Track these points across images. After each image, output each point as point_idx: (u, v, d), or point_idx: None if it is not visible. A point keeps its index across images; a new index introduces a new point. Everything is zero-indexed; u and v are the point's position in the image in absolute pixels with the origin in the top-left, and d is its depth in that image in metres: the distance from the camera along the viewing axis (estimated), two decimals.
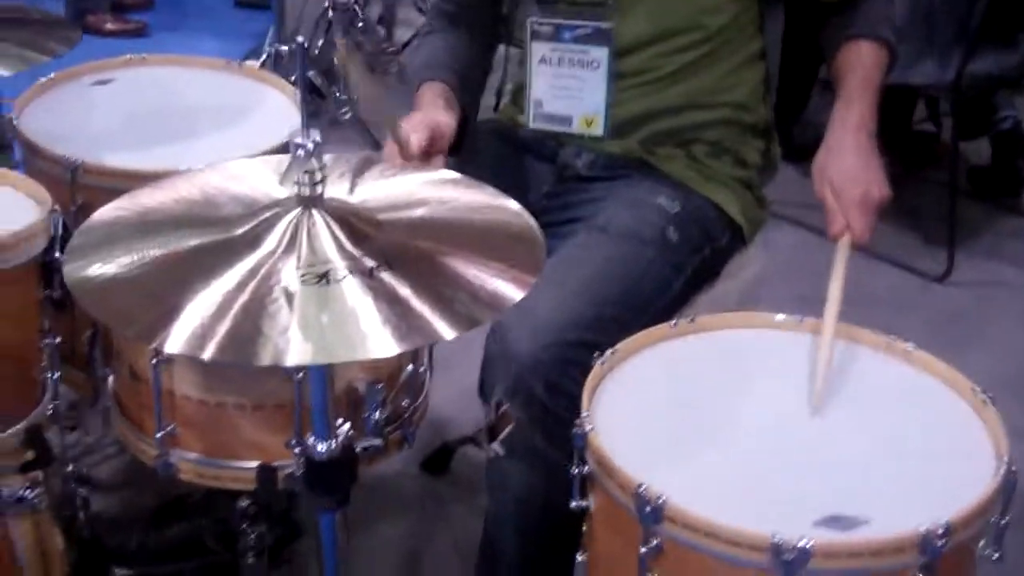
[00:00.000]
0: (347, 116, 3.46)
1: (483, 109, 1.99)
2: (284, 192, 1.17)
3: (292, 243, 1.12)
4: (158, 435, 1.50)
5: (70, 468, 1.87)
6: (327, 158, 1.19)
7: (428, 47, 1.87)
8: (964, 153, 3.49)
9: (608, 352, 1.42)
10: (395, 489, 2.28)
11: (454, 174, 1.32)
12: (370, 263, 1.11)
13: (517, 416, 1.54)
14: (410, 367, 1.53)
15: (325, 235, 1.13)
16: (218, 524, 1.85)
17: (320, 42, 3.64)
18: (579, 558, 1.35)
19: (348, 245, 1.13)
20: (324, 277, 1.08)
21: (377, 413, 1.43)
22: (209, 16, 4.55)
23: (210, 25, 4.42)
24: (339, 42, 1.39)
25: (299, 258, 1.11)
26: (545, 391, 1.52)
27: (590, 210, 1.76)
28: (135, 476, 2.17)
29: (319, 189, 1.14)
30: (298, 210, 1.15)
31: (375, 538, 2.17)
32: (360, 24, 3.74)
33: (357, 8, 3.70)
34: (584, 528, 1.36)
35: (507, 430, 1.57)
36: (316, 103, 3.57)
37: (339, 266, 1.10)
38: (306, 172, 1.12)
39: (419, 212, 1.22)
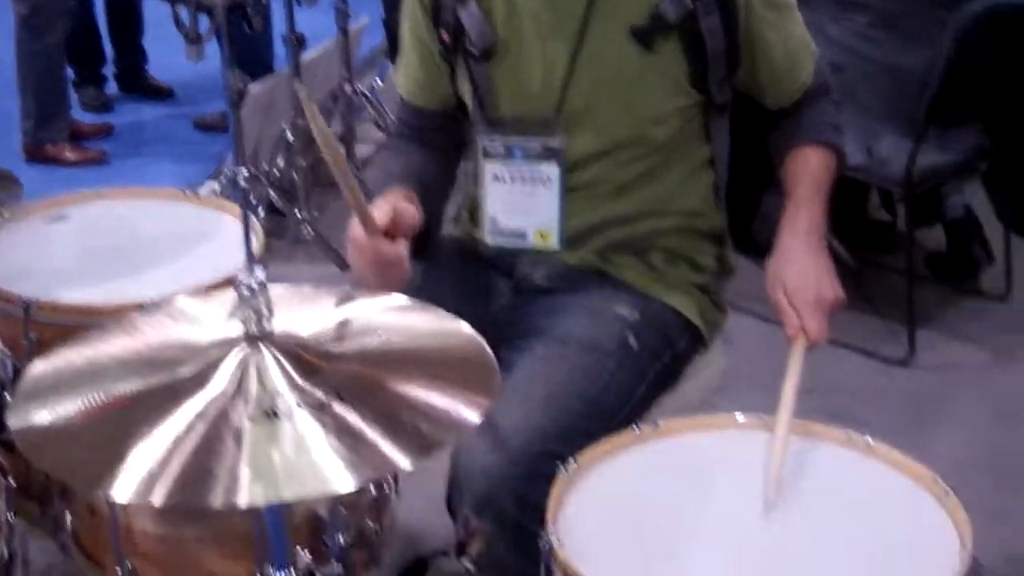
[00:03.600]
0: (309, 234, 3.49)
1: (444, 222, 2.01)
2: (233, 329, 1.18)
3: (241, 381, 1.13)
4: (118, 571, 1.49)
5: None
6: (277, 289, 1.20)
7: (389, 163, 1.90)
8: (920, 239, 3.54)
9: (571, 463, 1.42)
10: None
11: (405, 299, 1.34)
12: (321, 396, 1.11)
13: (487, 531, 1.54)
14: (372, 489, 1.52)
15: (274, 371, 1.14)
16: None
17: (280, 163, 3.68)
18: None
19: (298, 379, 1.13)
20: (273, 414, 1.08)
21: (341, 537, 1.42)
22: (168, 141, 4.59)
23: (170, 150, 4.45)
24: (298, 86, 1.40)
25: (248, 396, 1.11)
26: (514, 505, 1.52)
27: (549, 322, 1.77)
28: None
29: (266, 326, 1.15)
30: (246, 347, 1.15)
31: None
32: None
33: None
34: None
35: (477, 546, 1.56)
36: (278, 223, 3.60)
37: (289, 401, 1.10)
38: (252, 310, 1.13)
39: (371, 341, 1.23)
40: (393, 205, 1.63)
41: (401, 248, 1.59)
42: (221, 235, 2.13)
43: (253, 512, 1.39)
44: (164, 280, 1.93)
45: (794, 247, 1.70)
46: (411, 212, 1.67)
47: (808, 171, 1.78)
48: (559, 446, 1.51)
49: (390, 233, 1.60)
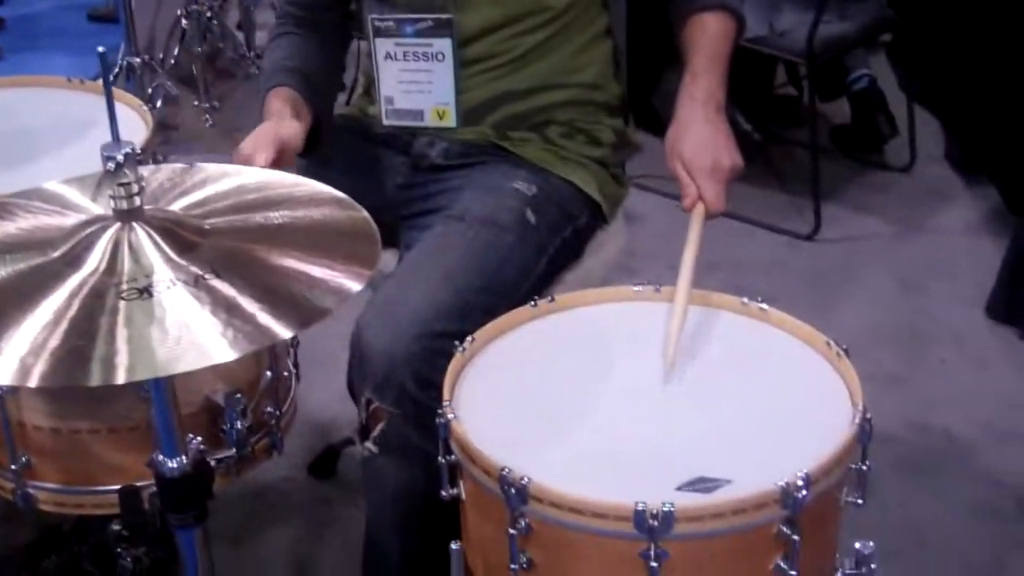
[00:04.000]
0: (209, 124, 3.43)
1: (337, 105, 1.97)
2: (105, 209, 1.14)
3: (114, 259, 1.10)
4: (13, 467, 1.47)
5: None
6: (148, 169, 1.17)
7: (277, 51, 1.85)
8: (825, 114, 3.57)
9: (468, 340, 1.41)
10: (282, 495, 2.26)
11: (283, 174, 1.31)
12: (196, 271, 1.09)
13: (389, 412, 1.53)
14: (268, 373, 1.51)
15: (148, 248, 1.11)
16: (95, 550, 1.80)
17: (176, 51, 3.58)
18: (453, 546, 1.35)
19: (173, 255, 1.11)
20: (147, 290, 1.06)
21: (238, 423, 1.41)
22: (62, 33, 4.46)
23: (63, 43, 4.32)
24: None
25: (121, 274, 1.09)
26: (415, 384, 1.51)
27: (447, 199, 1.75)
28: (10, 511, 2.11)
29: (137, 201, 1.12)
30: (117, 225, 1.12)
31: (264, 546, 2.15)
32: (218, 30, 3.69)
33: (212, 15, 3.64)
34: (459, 516, 1.35)
35: (379, 427, 1.55)
36: (177, 113, 3.52)
37: (164, 277, 1.08)
38: (121, 185, 1.10)
39: (248, 216, 1.20)
40: (275, 141, 1.60)
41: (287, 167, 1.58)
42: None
43: (143, 400, 1.38)
44: (50, 170, 1.86)
45: (691, 117, 1.67)
46: (294, 137, 1.64)
47: (706, 38, 1.74)
48: (459, 323, 1.50)
49: (275, 165, 1.57)
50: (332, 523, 2.20)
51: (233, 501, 2.19)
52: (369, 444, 1.57)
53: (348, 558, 2.05)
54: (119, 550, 1.59)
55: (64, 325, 1.04)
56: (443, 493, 1.32)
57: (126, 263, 1.09)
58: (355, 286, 1.10)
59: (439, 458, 1.31)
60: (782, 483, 1.17)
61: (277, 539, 2.17)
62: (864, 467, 1.28)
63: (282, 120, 1.67)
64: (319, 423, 2.37)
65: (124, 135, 1.95)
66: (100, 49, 1.08)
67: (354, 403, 1.63)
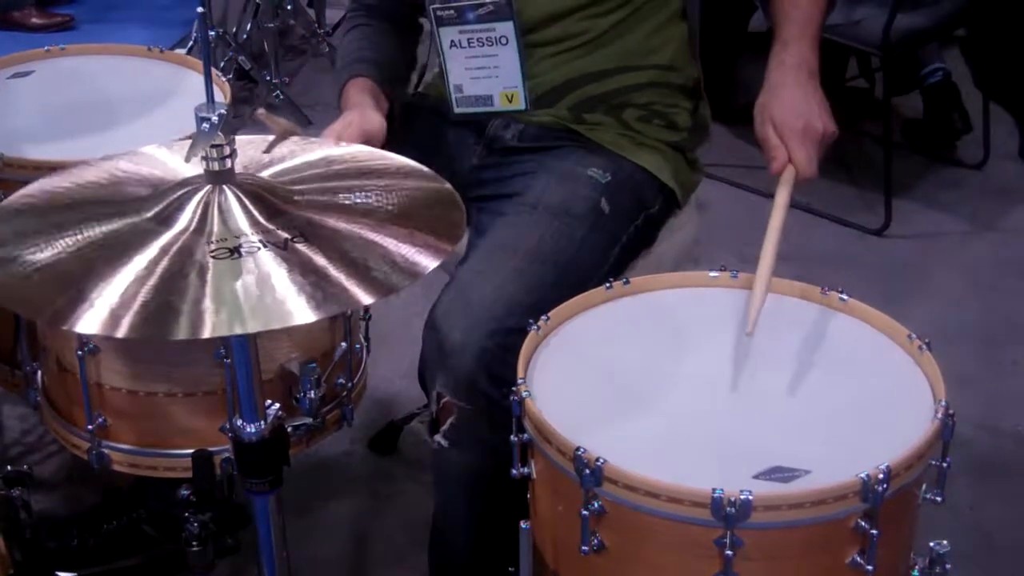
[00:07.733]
0: (280, 99, 3.44)
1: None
2: (196, 171, 1.15)
3: (204, 220, 1.11)
4: (89, 427, 1.48)
5: (8, 468, 1.84)
6: (241, 137, 1.18)
7: (351, 43, 1.87)
8: (897, 107, 3.51)
9: (543, 318, 1.40)
10: (343, 469, 2.27)
11: (370, 148, 1.31)
12: (284, 235, 1.10)
13: (460, 408, 1.52)
14: (343, 345, 1.51)
15: (237, 210, 1.12)
16: (154, 513, 1.82)
17: (248, 27, 3.60)
18: (523, 525, 1.34)
19: (261, 219, 1.12)
20: (236, 251, 1.07)
21: (312, 392, 1.42)
22: (136, 6, 4.46)
23: (138, 15, 4.33)
24: (260, 113, 1.35)
25: (211, 233, 1.09)
26: (487, 380, 1.49)
27: (520, 184, 1.73)
28: (78, 472, 2.14)
29: (228, 164, 1.12)
30: (208, 187, 1.13)
31: (323, 518, 2.16)
32: (290, 7, 3.71)
33: None
34: (528, 496, 1.35)
35: (449, 421, 1.54)
36: (248, 89, 3.54)
37: (252, 239, 1.09)
38: (214, 147, 1.10)
39: (335, 184, 1.21)
40: (362, 134, 1.60)
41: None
42: (187, 92, 2.07)
43: (219, 366, 1.39)
44: (130, 137, 1.88)
45: (782, 80, 1.60)
46: (379, 128, 1.65)
47: (797, 9, 1.66)
48: (533, 320, 1.48)
49: None
50: (391, 498, 2.20)
51: (293, 473, 2.19)
52: (439, 438, 1.56)
53: (406, 532, 2.06)
54: (186, 515, 1.60)
55: (154, 280, 1.05)
56: (513, 471, 1.31)
57: (215, 224, 1.11)
58: (436, 259, 1.10)
59: (511, 436, 1.30)
60: (863, 475, 1.15)
61: (336, 512, 2.18)
62: (944, 464, 1.26)
63: (365, 112, 1.67)
64: (381, 399, 2.38)
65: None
66: (200, 10, 1.08)
67: (424, 394, 1.62)
